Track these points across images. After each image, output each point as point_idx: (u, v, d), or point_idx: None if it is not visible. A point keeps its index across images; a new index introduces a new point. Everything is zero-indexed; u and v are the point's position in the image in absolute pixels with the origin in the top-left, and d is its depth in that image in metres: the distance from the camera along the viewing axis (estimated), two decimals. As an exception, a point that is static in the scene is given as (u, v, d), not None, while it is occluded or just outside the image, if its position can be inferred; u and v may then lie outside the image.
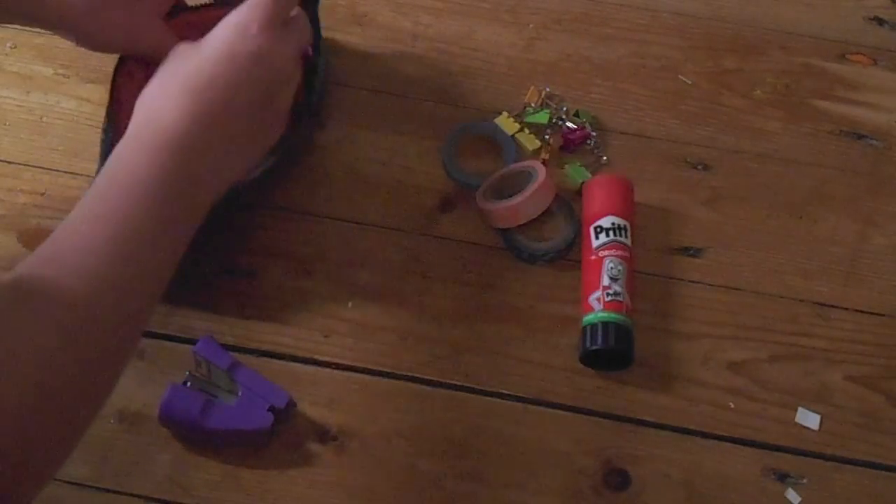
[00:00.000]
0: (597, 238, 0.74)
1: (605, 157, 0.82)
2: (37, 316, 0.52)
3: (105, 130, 0.73)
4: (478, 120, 0.83)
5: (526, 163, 0.80)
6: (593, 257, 0.74)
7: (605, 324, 0.71)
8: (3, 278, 0.52)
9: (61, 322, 0.52)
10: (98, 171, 0.69)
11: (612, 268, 0.73)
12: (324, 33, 0.84)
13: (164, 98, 0.62)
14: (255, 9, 0.64)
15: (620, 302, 0.72)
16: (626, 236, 0.75)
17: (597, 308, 0.72)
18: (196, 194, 0.61)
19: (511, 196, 0.77)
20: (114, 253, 0.56)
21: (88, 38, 0.70)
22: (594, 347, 0.70)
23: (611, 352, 0.71)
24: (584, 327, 0.72)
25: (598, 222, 0.75)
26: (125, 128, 0.64)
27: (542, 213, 0.78)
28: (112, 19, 0.69)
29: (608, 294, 0.72)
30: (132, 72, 0.74)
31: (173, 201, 0.59)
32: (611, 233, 0.74)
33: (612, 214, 0.75)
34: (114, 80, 0.74)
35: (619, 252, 0.74)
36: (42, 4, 0.67)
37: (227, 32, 0.63)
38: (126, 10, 0.70)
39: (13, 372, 0.49)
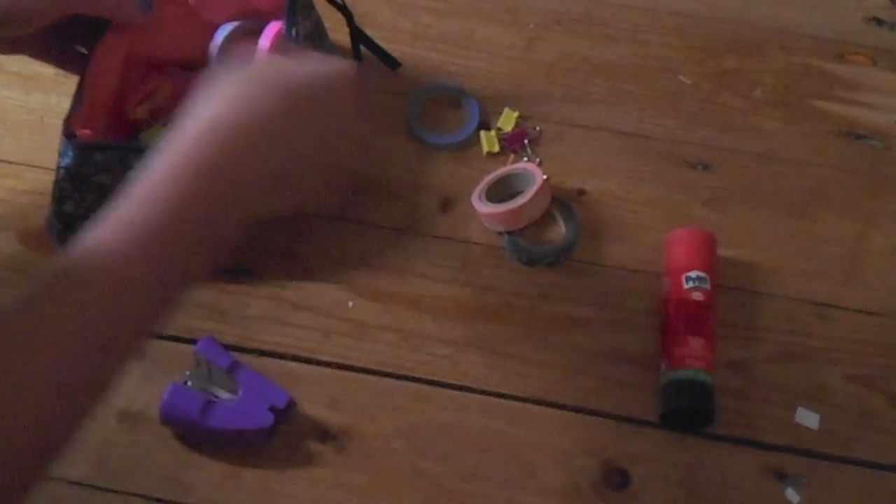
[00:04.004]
0: (686, 283, 0.73)
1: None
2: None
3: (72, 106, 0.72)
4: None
5: (517, 165, 0.80)
6: (681, 310, 0.73)
7: (691, 382, 0.70)
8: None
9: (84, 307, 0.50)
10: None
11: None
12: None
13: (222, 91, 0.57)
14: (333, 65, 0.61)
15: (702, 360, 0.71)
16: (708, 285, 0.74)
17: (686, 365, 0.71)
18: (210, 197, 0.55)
19: (509, 198, 0.77)
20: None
21: None
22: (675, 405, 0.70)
23: (692, 410, 0.70)
24: (666, 384, 0.71)
25: (687, 274, 0.74)
26: (93, 102, 0.68)
27: (543, 216, 0.78)
28: None
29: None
30: (111, 45, 0.74)
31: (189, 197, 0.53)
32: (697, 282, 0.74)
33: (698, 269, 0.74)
34: (90, 56, 0.73)
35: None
36: None
37: (311, 65, 0.60)
38: None
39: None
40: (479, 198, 0.78)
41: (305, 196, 0.62)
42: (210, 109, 0.56)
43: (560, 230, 0.79)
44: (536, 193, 0.76)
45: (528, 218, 0.77)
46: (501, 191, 0.78)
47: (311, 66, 0.61)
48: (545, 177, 0.78)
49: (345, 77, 0.61)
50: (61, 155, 0.69)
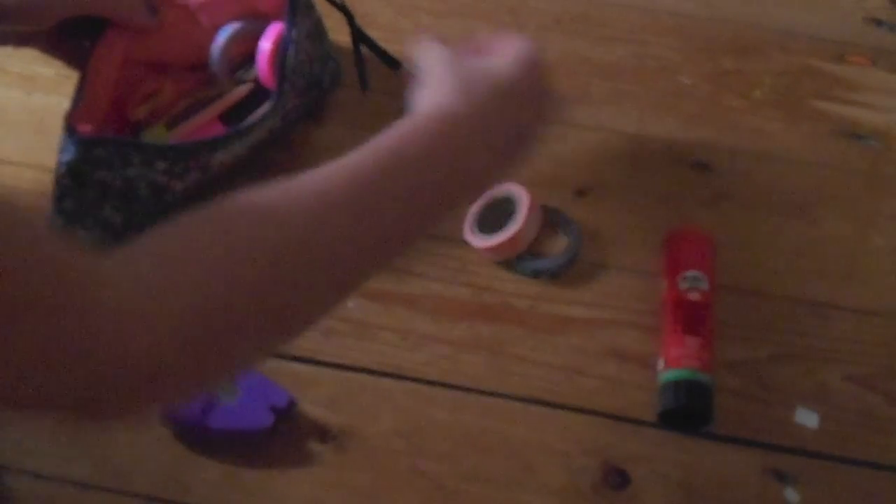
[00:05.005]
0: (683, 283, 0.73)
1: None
2: (239, 225, 0.51)
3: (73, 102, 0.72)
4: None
5: (500, 188, 0.78)
6: (678, 310, 0.73)
7: (688, 382, 0.70)
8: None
9: (267, 238, 0.51)
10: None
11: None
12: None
13: (437, 91, 0.65)
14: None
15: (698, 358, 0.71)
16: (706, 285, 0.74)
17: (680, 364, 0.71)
18: (452, 171, 0.61)
19: (500, 225, 0.76)
20: (347, 190, 0.55)
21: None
22: (671, 406, 0.70)
23: (689, 409, 0.70)
24: (665, 384, 0.71)
25: (684, 274, 0.74)
26: (94, 97, 0.68)
27: (542, 228, 0.78)
28: None
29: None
30: (111, 41, 0.74)
31: (423, 164, 0.59)
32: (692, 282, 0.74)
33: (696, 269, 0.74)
34: (91, 53, 0.74)
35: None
36: None
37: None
38: None
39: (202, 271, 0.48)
40: (472, 231, 0.78)
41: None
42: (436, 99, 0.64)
43: (562, 241, 0.78)
44: (527, 214, 0.76)
45: (526, 240, 0.76)
46: (491, 219, 0.77)
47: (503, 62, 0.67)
48: (528, 193, 0.77)
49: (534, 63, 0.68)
50: (61, 151, 0.69)
